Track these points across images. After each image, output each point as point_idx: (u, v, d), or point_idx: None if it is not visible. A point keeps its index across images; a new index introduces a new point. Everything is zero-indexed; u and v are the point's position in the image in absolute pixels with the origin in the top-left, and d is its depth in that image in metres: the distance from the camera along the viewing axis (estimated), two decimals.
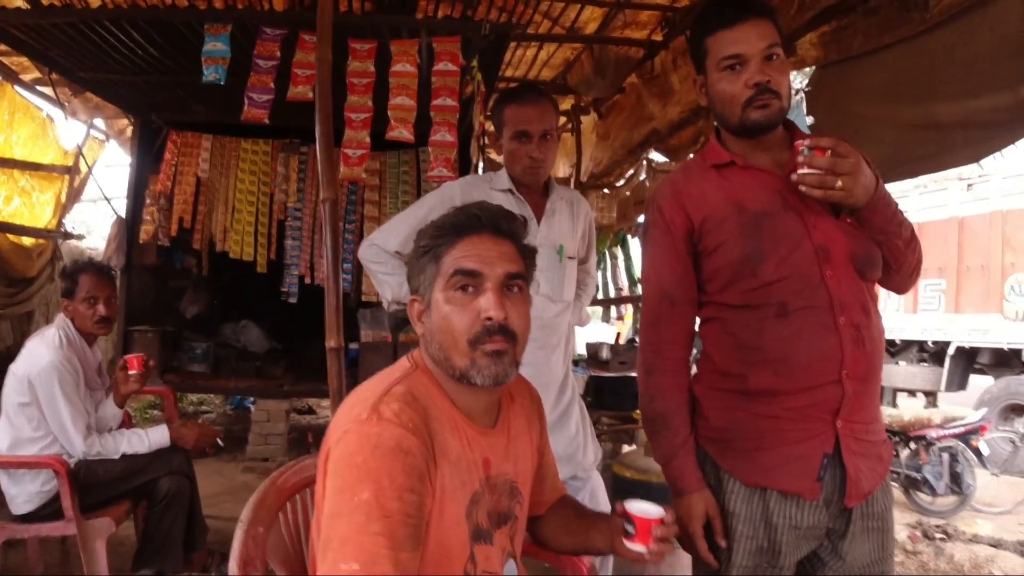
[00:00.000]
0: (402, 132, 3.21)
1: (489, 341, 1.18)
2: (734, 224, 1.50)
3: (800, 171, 1.38)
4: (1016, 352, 8.27)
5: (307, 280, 5.67)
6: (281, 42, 3.70)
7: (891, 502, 1.58)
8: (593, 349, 5.10)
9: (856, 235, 1.48)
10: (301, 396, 5.97)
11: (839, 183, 1.36)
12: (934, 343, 9.12)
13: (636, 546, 1.28)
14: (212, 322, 6.59)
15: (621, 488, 2.77)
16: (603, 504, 2.36)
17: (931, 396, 9.58)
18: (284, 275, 5.70)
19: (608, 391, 4.27)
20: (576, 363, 4.51)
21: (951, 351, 8.90)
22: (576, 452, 2.33)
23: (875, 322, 1.50)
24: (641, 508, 1.30)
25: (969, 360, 9.00)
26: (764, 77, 1.47)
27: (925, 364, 9.17)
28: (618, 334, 8.95)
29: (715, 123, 1.64)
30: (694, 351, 1.66)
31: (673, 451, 1.56)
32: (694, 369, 1.64)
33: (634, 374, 4.65)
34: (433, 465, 1.13)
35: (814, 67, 3.40)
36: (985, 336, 8.57)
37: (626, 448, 4.17)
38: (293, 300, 5.68)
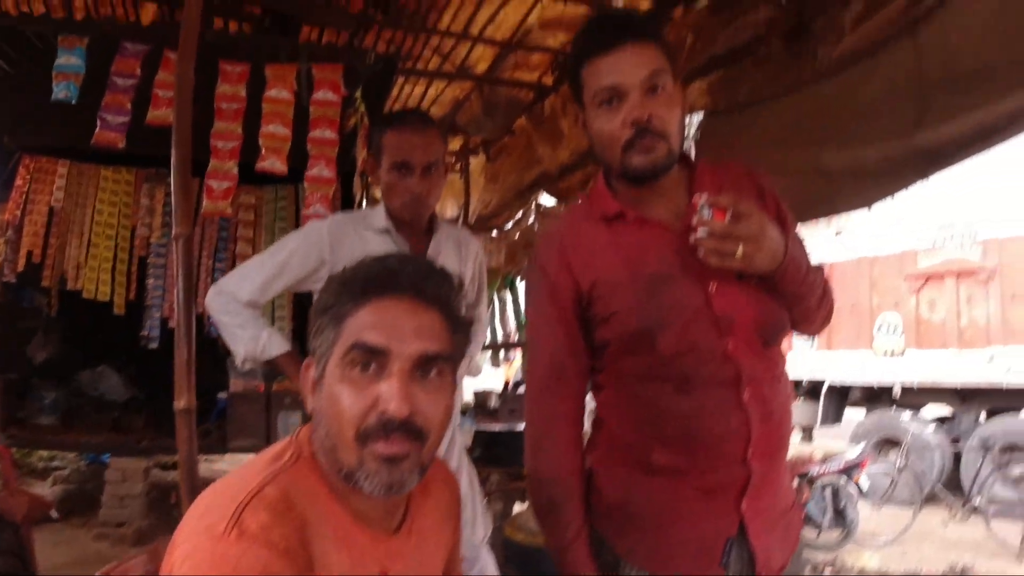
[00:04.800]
0: (274, 163, 2.93)
1: (384, 440, 0.92)
2: (628, 291, 1.32)
3: (698, 233, 1.21)
4: (886, 388, 8.74)
5: (171, 323, 5.18)
6: (143, 59, 3.39)
7: (801, 566, 1.45)
8: (481, 398, 4.87)
9: (762, 299, 1.33)
10: (162, 453, 5.43)
11: (740, 251, 1.19)
12: (809, 381, 9.51)
13: None
14: (66, 368, 5.90)
15: (514, 553, 2.55)
16: None
17: (808, 431, 9.95)
18: (145, 317, 5.19)
19: (498, 444, 4.00)
20: (463, 412, 4.28)
21: (825, 388, 9.33)
22: (463, 528, 2.09)
23: (783, 390, 1.36)
24: None
25: (843, 395, 9.46)
26: (644, 114, 1.27)
27: (801, 400, 9.51)
28: (507, 381, 8.81)
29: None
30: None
31: (566, 543, 1.36)
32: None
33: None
34: None
35: (703, 113, 3.39)
36: (857, 373, 9.02)
37: (518, 507, 3.97)
38: (154, 345, 5.17)
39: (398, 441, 0.93)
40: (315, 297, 1.07)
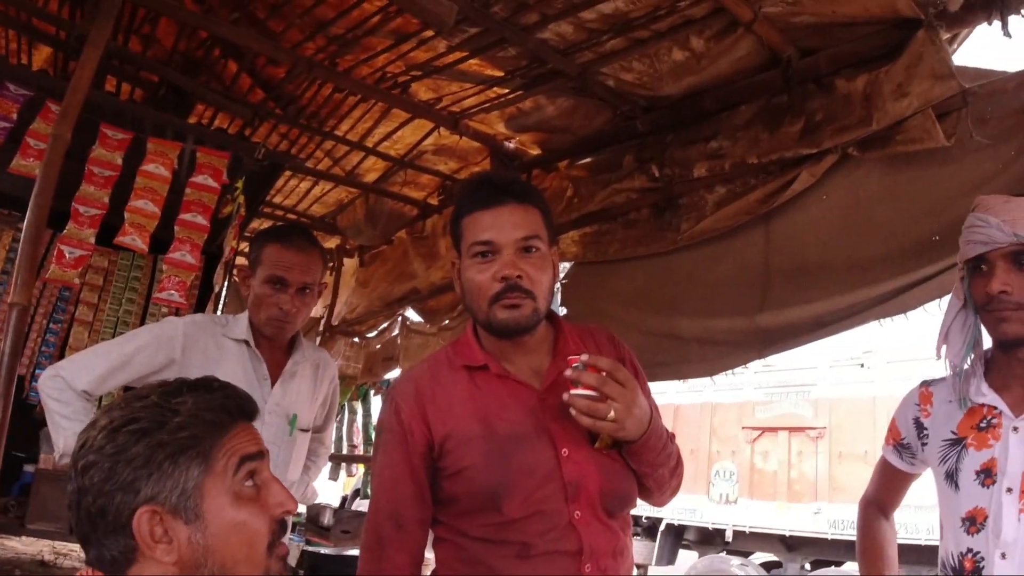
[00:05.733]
0: (135, 239, 2.78)
1: (280, 542, 0.99)
2: (480, 448, 1.32)
3: (572, 391, 1.23)
4: (719, 531, 9.09)
5: None
6: (23, 104, 3.22)
7: None
8: (314, 512, 4.52)
9: (611, 469, 1.35)
10: None
11: (612, 413, 1.22)
12: (647, 519, 9.75)
13: None
14: None
15: None
16: None
17: (642, 568, 10.11)
18: None
19: (327, 567, 3.71)
20: (293, 527, 4.05)
21: (662, 527, 9.59)
22: None
23: (624, 563, 1.38)
24: None
25: (678, 536, 9.74)
26: (514, 271, 1.32)
27: (638, 538, 9.70)
28: (345, 496, 8.36)
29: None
30: None
31: None
32: None
33: (356, 552, 4.19)
34: None
35: (572, 262, 3.57)
36: (692, 515, 9.35)
37: None
38: None
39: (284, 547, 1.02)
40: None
